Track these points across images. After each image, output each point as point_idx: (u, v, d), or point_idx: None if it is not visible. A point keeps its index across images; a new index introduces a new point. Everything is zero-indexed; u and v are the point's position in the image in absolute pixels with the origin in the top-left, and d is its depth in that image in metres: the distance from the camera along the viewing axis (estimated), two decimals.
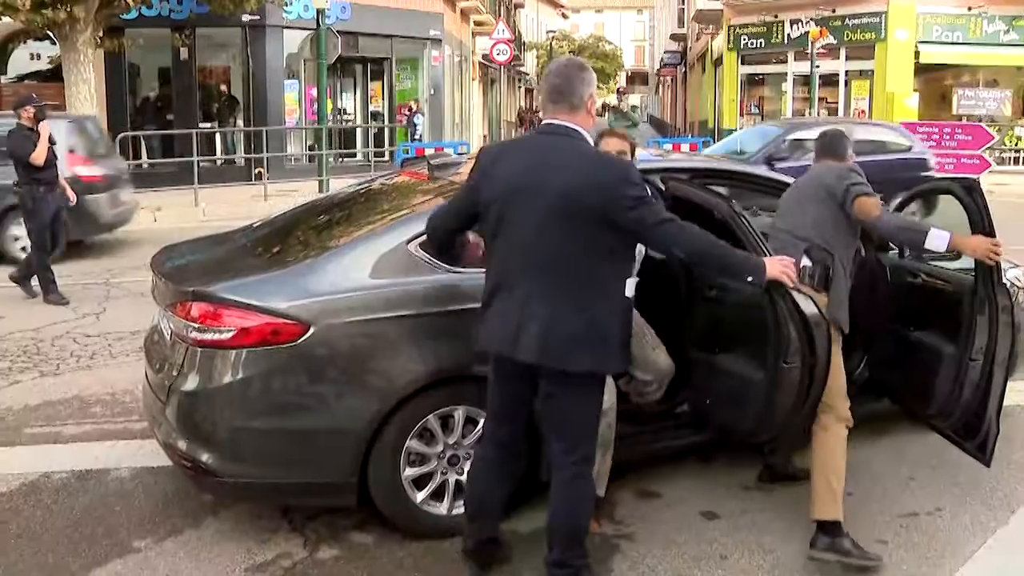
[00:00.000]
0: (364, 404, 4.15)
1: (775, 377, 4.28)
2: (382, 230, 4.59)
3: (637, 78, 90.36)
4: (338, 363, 4.16)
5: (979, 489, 5.02)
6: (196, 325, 4.16)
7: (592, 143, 3.75)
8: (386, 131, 26.41)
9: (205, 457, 4.19)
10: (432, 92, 28.62)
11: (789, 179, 5.38)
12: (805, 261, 4.44)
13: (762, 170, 5.61)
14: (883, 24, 27.36)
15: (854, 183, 4.55)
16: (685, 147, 17.41)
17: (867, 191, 4.53)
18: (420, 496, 4.36)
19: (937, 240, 4.34)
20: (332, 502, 4.44)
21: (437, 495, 4.39)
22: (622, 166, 3.69)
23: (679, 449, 5.08)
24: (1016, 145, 27.41)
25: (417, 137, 24.86)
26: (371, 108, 27.67)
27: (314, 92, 22.74)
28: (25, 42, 17.93)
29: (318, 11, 19.73)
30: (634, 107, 18.69)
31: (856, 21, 28.09)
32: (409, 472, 4.32)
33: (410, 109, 26.26)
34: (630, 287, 3.74)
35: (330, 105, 23.17)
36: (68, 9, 15.62)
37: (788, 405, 4.25)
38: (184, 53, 21.95)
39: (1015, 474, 5.24)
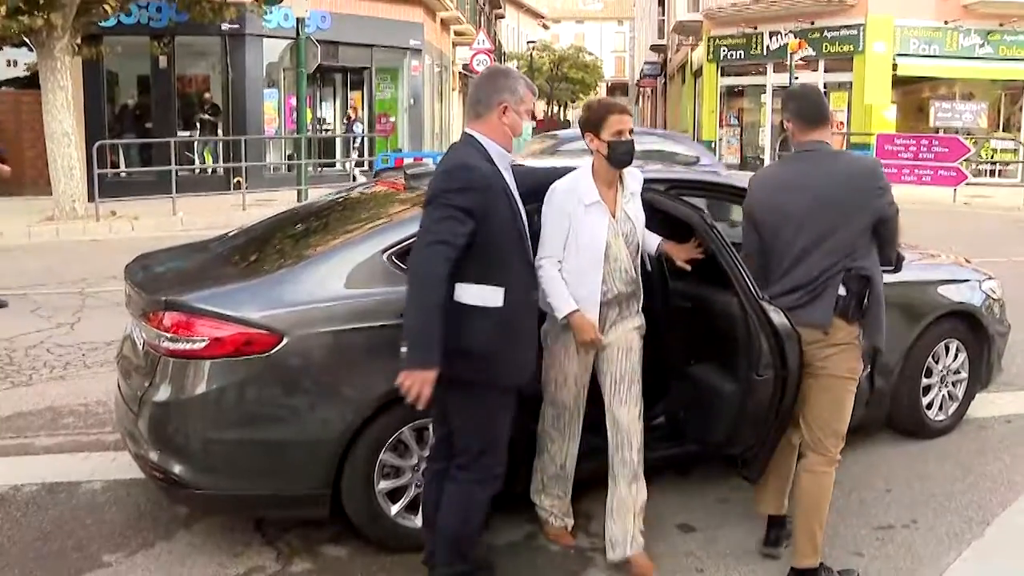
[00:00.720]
0: (337, 415, 4.13)
1: (747, 388, 4.28)
2: (357, 240, 4.56)
3: (617, 89, 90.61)
4: (312, 374, 4.13)
5: (954, 501, 5.03)
6: (168, 335, 4.12)
7: (496, 148, 3.72)
8: (366, 140, 26.37)
9: (177, 469, 4.14)
10: (412, 102, 28.57)
11: None
12: (841, 291, 3.98)
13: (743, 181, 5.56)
14: (861, 37, 27.55)
15: (892, 198, 4.02)
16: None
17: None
18: (394, 509, 4.34)
19: None
20: (305, 514, 4.41)
21: (412, 508, 4.35)
22: (452, 167, 3.65)
23: (655, 461, 5.06)
24: (992, 157, 27.63)
25: (356, 147, 24.82)
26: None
27: (293, 101, 22.68)
28: (1, 48, 17.78)
29: (298, 20, 19.68)
30: None
31: (834, 33, 28.27)
32: (383, 485, 4.29)
33: (348, 118, 26.26)
34: (492, 296, 3.61)
35: (309, 114, 23.11)
36: (45, 16, 15.51)
37: (760, 417, 4.25)
38: (163, 61, 21.80)
39: (990, 486, 5.25)
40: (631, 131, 4.16)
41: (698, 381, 4.77)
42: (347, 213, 5.40)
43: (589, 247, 4.12)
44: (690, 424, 4.85)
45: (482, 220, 3.53)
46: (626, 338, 4.28)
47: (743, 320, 4.22)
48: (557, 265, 4.12)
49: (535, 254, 4.04)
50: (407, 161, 16.21)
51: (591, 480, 4.63)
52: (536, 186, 4.23)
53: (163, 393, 4.16)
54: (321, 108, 26.57)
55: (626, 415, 4.23)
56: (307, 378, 4.13)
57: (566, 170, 4.35)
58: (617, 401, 4.24)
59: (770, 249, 4.16)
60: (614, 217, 4.20)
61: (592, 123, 4.18)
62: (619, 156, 4.16)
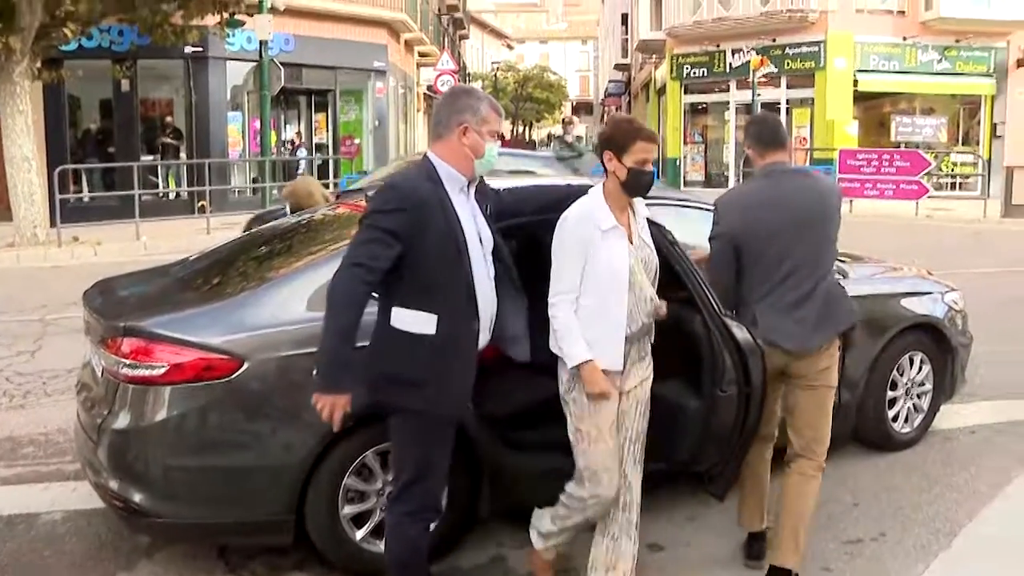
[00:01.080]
0: (300, 440, 4.07)
1: (711, 405, 4.29)
2: (320, 262, 4.52)
3: (582, 108, 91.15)
4: (273, 398, 4.08)
5: (921, 514, 5.04)
6: (127, 361, 4.06)
7: (447, 170, 3.59)
8: (330, 163, 26.26)
9: (137, 497, 4.07)
10: (376, 123, 28.54)
11: None
12: None
13: (702, 198, 5.56)
14: (822, 53, 27.83)
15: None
16: None
17: None
18: (359, 534, 4.28)
19: None
20: (268, 541, 4.33)
21: (377, 533, 4.28)
22: (383, 188, 3.60)
23: None
24: (952, 171, 27.96)
25: (300, 173, 24.64)
26: (315, 140, 27.52)
27: (257, 124, 22.58)
28: None
29: (261, 43, 19.62)
30: (579, 137, 18.90)
31: (796, 50, 28.54)
32: (348, 510, 4.24)
33: (292, 143, 26.09)
34: (424, 322, 3.52)
35: (274, 137, 23.02)
36: (3, 40, 15.36)
37: (724, 434, 4.24)
38: (125, 85, 21.62)
39: (956, 497, 5.27)
40: (653, 162, 3.91)
41: (662, 398, 4.74)
42: (311, 235, 5.38)
43: (613, 276, 3.79)
44: (655, 442, 4.81)
45: (412, 243, 3.44)
46: (643, 389, 4.03)
47: (706, 337, 4.21)
48: (573, 304, 3.80)
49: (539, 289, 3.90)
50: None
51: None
52: (553, 201, 4.17)
53: (122, 420, 4.09)
54: (285, 130, 26.48)
55: (639, 476, 4.03)
56: (269, 403, 4.08)
57: (580, 188, 4.20)
58: (631, 460, 4.00)
59: (751, 267, 4.21)
60: (631, 243, 3.90)
61: (616, 143, 3.85)
62: (638, 186, 3.88)
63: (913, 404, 6.05)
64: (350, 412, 3.44)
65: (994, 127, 28.45)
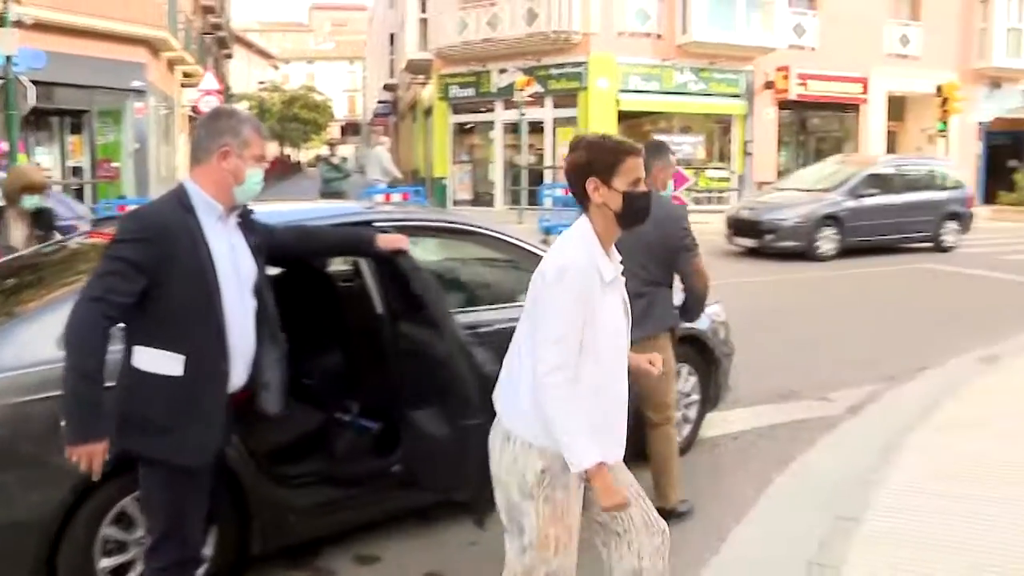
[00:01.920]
0: (50, 490, 3.74)
1: (461, 435, 4.14)
2: (70, 297, 4.19)
3: (350, 128, 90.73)
4: (18, 447, 3.74)
5: (694, 521, 5.21)
6: None
7: (203, 198, 3.34)
8: (87, 187, 24.94)
9: None
10: (137, 146, 27.32)
11: (502, 232, 5.42)
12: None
13: (475, 222, 5.50)
14: (585, 74, 28.68)
15: (691, 243, 5.20)
16: (397, 197, 17.33)
17: (698, 253, 5.17)
18: None
19: None
20: None
21: None
22: (127, 216, 3.42)
23: (396, 511, 4.93)
24: (709, 186, 29.42)
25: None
26: (70, 163, 26.07)
27: (5, 146, 21.14)
28: None
29: (7, 58, 18.37)
30: (344, 159, 18.74)
31: (560, 71, 29.27)
32: (105, 563, 3.94)
33: None
34: (170, 363, 3.27)
35: (24, 161, 21.60)
36: None
37: (478, 464, 4.10)
38: None
39: (723, 504, 5.47)
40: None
41: (421, 427, 4.58)
42: (64, 266, 5.03)
43: (616, 340, 3.16)
44: (418, 471, 4.69)
45: (157, 275, 3.19)
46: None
47: (451, 366, 4.12)
48: (573, 384, 3.02)
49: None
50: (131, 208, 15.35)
51: (335, 534, 4.46)
52: (343, 243, 4.11)
53: None
54: (36, 153, 24.94)
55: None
56: (13, 452, 3.74)
57: (369, 236, 4.05)
58: (631, 553, 3.42)
59: None
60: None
61: (600, 167, 3.12)
62: (636, 212, 3.20)
63: (683, 415, 6.23)
64: (108, 458, 3.19)
65: (745, 144, 30.21)
